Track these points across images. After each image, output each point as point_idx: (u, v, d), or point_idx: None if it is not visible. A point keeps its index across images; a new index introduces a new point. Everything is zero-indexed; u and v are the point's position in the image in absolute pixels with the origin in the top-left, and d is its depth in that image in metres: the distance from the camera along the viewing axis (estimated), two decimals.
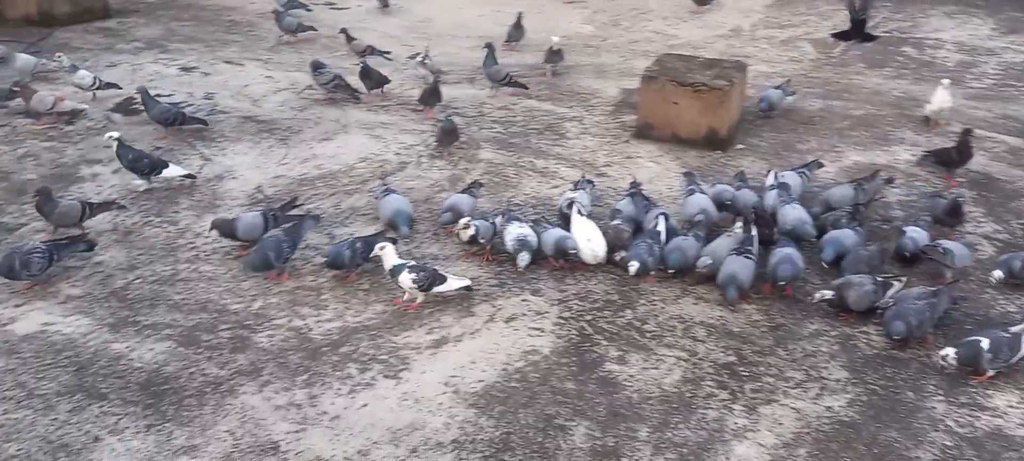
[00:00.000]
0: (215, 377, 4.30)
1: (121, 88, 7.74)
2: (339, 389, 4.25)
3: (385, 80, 8.19)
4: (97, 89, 7.61)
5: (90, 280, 5.08)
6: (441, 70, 8.56)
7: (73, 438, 3.85)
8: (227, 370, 4.36)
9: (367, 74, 8.09)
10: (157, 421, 3.98)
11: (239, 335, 4.64)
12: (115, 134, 6.09)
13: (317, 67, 7.99)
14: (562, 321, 4.83)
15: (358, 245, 5.12)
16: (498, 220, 5.47)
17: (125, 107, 7.27)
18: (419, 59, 8.52)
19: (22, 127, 7.11)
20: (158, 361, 4.39)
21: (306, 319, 4.80)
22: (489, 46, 8.42)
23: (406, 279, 4.84)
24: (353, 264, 5.11)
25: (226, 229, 5.34)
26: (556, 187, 6.50)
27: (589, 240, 5.29)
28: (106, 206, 5.63)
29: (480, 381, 4.33)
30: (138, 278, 5.12)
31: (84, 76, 7.61)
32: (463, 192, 5.93)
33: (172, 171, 6.12)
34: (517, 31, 9.81)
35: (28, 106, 7.13)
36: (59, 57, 7.89)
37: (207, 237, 5.55)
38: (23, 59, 7.89)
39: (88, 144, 6.86)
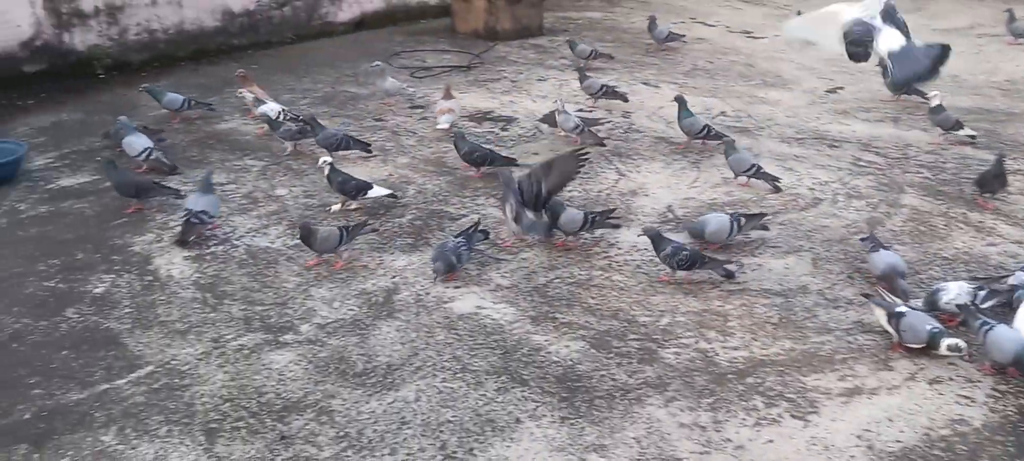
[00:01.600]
0: (624, 383, 4.47)
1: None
2: (744, 419, 4.20)
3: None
4: (285, 120, 7.54)
5: (517, 274, 5.54)
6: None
7: (498, 415, 4.23)
8: (635, 379, 4.50)
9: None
10: (570, 415, 4.23)
11: (647, 347, 4.78)
12: (328, 159, 6.38)
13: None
14: (998, 394, 4.33)
15: (462, 248, 5.40)
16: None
17: (300, 132, 7.29)
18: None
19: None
20: (573, 358, 4.67)
21: (712, 343, 4.82)
22: (679, 99, 7.48)
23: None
24: (461, 262, 5.41)
25: (306, 236, 5.51)
26: (993, 244, 5.86)
27: None
28: (359, 228, 5.78)
29: (898, 442, 4.03)
30: (557, 278, 5.48)
31: (270, 109, 7.62)
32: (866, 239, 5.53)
33: (376, 192, 6.34)
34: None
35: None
36: (241, 93, 7.94)
37: (620, 247, 5.80)
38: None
39: (519, 149, 7.51)
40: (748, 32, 11.68)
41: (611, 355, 4.71)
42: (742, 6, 13.27)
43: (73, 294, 5.23)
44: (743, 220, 5.76)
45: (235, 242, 5.87)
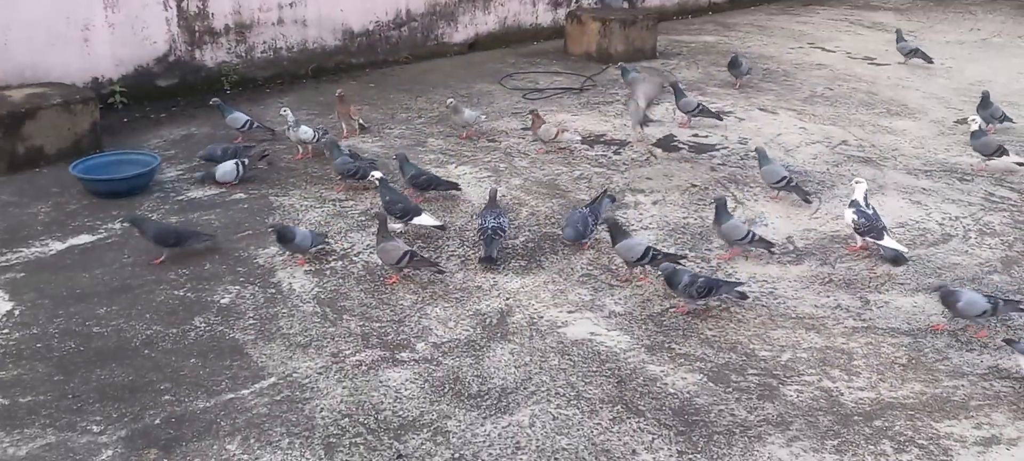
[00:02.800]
0: (743, 420, 4.35)
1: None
2: None
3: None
4: (318, 141, 7.53)
5: (631, 301, 5.47)
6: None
7: (614, 446, 4.17)
8: (755, 416, 4.38)
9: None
10: (688, 449, 4.14)
11: (767, 383, 4.64)
12: (377, 174, 6.43)
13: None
14: None
15: (590, 218, 5.89)
16: None
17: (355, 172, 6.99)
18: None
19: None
20: (690, 391, 4.57)
21: (837, 382, 4.64)
22: (718, 202, 6.10)
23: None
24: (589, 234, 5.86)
25: (283, 235, 5.80)
26: None
27: None
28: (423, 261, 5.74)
29: None
30: (673, 306, 5.39)
31: (306, 132, 7.56)
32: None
33: (424, 220, 6.24)
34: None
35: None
36: (284, 112, 7.66)
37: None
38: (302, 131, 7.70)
39: (632, 174, 7.44)
40: (870, 58, 11.30)
41: (730, 389, 4.59)
42: (864, 32, 12.86)
43: (201, 303, 5.43)
44: (1001, 303, 5.07)
45: (354, 258, 5.99)
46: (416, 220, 6.23)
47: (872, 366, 4.77)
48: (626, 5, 12.59)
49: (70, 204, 6.79)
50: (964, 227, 6.46)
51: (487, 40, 11.63)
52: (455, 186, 6.98)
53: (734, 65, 9.92)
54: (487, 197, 6.34)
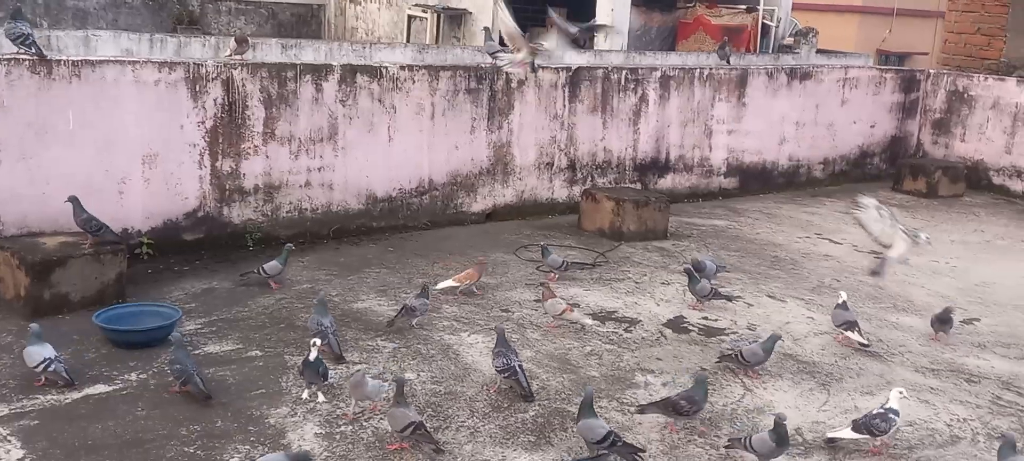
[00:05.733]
0: None
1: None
2: None
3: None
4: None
5: None
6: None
7: None
8: None
9: None
10: None
11: None
12: (317, 341, 6.49)
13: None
14: None
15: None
16: None
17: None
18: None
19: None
20: None
21: None
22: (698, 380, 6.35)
23: None
24: None
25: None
26: None
27: None
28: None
29: None
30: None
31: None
32: None
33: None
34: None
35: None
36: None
37: None
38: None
39: (643, 353, 7.56)
40: (876, 253, 11.55)
41: None
42: None
43: None
44: None
45: (363, 423, 6.05)
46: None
47: None
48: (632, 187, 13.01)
49: (89, 352, 6.91)
50: (972, 430, 6.50)
51: (504, 211, 11.98)
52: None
53: (699, 269, 8.92)
54: (495, 337, 6.49)
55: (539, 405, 6.48)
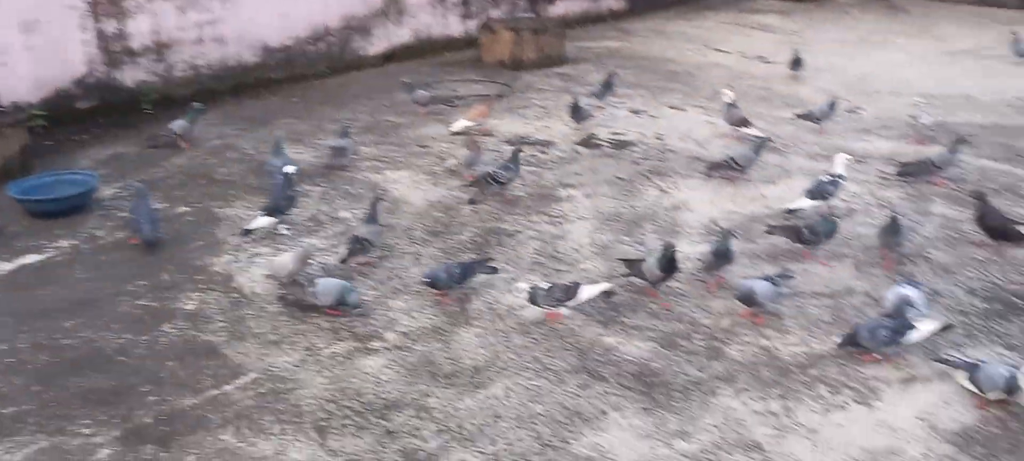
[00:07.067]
0: (696, 378, 4.82)
1: None
2: (813, 406, 4.55)
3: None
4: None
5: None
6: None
7: (584, 408, 4.57)
8: (705, 373, 4.86)
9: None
10: (651, 406, 4.58)
11: (712, 345, 5.13)
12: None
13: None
14: None
15: (455, 270, 5.57)
16: None
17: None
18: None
19: None
20: (644, 357, 5.01)
21: (772, 341, 5.17)
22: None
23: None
24: (448, 286, 5.56)
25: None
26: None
27: None
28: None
29: (957, 421, 4.39)
30: (618, 287, 5.83)
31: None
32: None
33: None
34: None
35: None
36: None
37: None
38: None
39: (561, 170, 7.89)
40: (762, 57, 12.12)
41: (680, 353, 5.05)
42: (753, 33, 13.73)
43: (166, 311, 5.56)
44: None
45: (310, 262, 6.21)
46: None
47: (801, 325, 5.34)
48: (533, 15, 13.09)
49: (10, 226, 6.75)
50: (865, 202, 7.15)
51: (403, 52, 11.91)
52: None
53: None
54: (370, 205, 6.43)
55: (476, 225, 6.76)
